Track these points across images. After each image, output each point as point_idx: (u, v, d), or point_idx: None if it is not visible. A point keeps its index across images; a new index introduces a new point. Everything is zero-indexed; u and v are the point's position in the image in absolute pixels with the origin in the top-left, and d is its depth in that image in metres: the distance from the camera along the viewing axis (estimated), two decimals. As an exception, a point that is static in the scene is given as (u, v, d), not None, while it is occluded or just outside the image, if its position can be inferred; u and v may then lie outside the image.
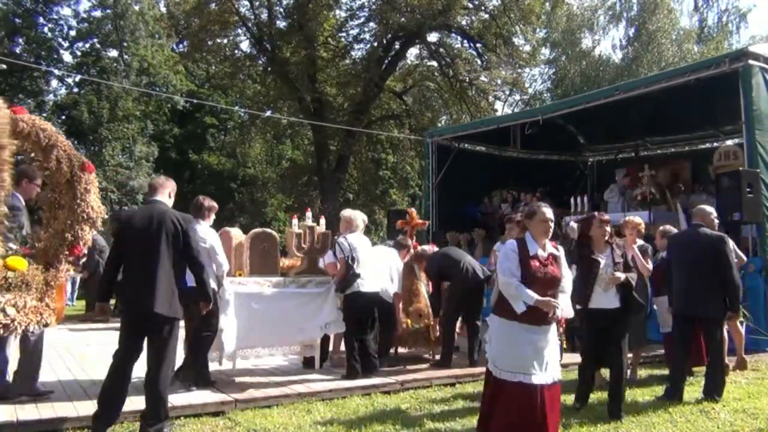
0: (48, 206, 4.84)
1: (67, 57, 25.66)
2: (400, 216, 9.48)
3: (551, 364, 3.70)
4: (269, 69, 22.14)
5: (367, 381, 5.79)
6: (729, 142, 11.49)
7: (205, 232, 5.34)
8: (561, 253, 3.90)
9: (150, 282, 4.08)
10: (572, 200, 11.26)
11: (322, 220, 6.67)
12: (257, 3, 21.79)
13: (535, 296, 3.63)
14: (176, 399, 4.89)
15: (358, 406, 5.08)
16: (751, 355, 6.89)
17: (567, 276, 3.89)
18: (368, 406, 5.11)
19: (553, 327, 3.79)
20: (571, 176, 14.45)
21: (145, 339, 4.22)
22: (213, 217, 5.64)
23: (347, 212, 6.45)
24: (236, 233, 6.35)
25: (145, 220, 4.24)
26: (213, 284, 5.21)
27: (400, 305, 6.68)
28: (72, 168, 4.71)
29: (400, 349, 7.01)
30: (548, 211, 3.85)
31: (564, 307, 3.79)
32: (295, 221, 6.39)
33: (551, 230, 3.82)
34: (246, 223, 24.15)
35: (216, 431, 4.41)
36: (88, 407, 4.67)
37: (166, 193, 4.49)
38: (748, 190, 7.54)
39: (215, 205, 5.72)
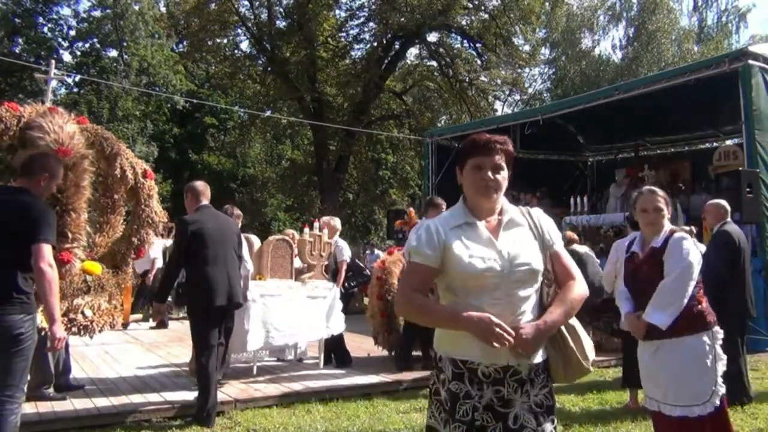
0: (101, 210, 5.10)
1: (67, 57, 25.69)
2: (400, 216, 9.51)
3: (674, 391, 2.85)
4: (269, 69, 22.15)
5: (367, 381, 5.82)
6: (729, 142, 11.51)
7: None
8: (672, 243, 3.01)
9: (231, 276, 4.66)
10: (572, 200, 11.28)
11: (325, 231, 6.79)
12: (257, 3, 21.80)
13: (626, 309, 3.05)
14: (176, 398, 4.90)
15: (358, 406, 5.08)
16: (751, 355, 6.88)
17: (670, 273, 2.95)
18: (368, 406, 5.11)
19: (682, 342, 2.86)
20: (571, 176, 14.45)
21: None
22: (240, 222, 5.94)
23: (330, 219, 7.00)
24: (254, 239, 6.59)
25: (215, 223, 4.67)
26: None
27: None
28: (136, 176, 4.98)
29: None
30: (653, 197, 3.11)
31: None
32: (306, 230, 6.64)
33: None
34: (246, 223, 24.14)
35: (216, 431, 4.41)
36: (86, 404, 4.69)
37: (208, 198, 4.83)
38: (747, 190, 7.54)
39: (241, 213, 6.14)
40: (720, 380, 2.85)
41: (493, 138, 2.06)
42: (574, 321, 2.09)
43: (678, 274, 2.86)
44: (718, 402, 2.81)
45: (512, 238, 2.02)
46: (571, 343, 2.05)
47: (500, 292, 1.94)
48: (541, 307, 2.03)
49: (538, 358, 2.01)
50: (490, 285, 1.94)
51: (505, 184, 2.05)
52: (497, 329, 1.85)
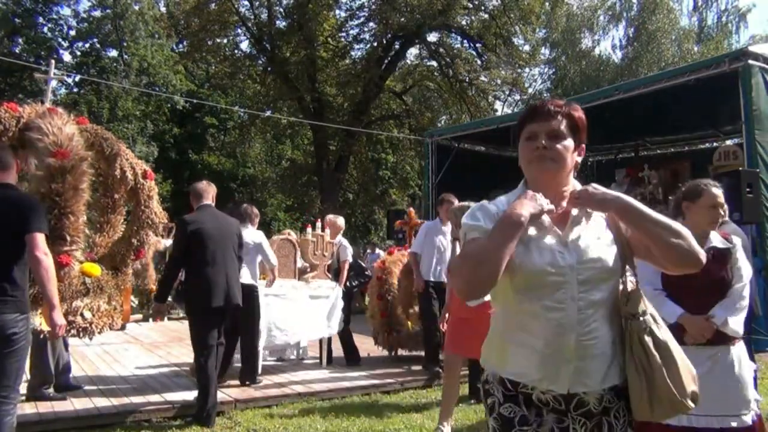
0: (101, 210, 5.10)
1: (67, 57, 25.71)
2: (400, 216, 9.52)
3: (726, 399, 2.65)
4: (269, 69, 22.16)
5: (367, 381, 5.82)
6: (729, 142, 11.49)
7: (254, 234, 5.77)
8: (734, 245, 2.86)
9: (230, 277, 4.63)
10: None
11: (328, 230, 6.80)
12: (257, 3, 21.81)
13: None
14: (176, 398, 4.90)
15: (358, 406, 5.08)
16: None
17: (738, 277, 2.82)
18: (368, 406, 5.12)
19: (734, 348, 2.74)
20: (571, 176, 14.44)
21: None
22: (257, 222, 6.00)
23: (335, 218, 6.99)
24: None
25: (214, 223, 4.64)
26: (251, 280, 5.56)
27: None
28: (136, 176, 4.97)
29: (400, 351, 7.01)
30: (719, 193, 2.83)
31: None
32: (309, 230, 6.66)
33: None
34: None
35: (216, 431, 4.41)
36: (86, 404, 4.68)
37: (211, 197, 4.81)
38: (747, 190, 7.54)
39: (258, 212, 6.17)
40: (755, 388, 2.83)
41: (551, 101, 1.68)
42: (667, 335, 1.56)
43: (748, 280, 2.83)
44: (758, 409, 2.74)
45: (582, 229, 1.60)
46: (660, 365, 1.50)
47: (563, 294, 1.52)
48: (619, 317, 1.58)
49: (608, 382, 1.53)
50: (551, 284, 1.53)
51: (568, 156, 1.61)
52: (531, 201, 1.54)
